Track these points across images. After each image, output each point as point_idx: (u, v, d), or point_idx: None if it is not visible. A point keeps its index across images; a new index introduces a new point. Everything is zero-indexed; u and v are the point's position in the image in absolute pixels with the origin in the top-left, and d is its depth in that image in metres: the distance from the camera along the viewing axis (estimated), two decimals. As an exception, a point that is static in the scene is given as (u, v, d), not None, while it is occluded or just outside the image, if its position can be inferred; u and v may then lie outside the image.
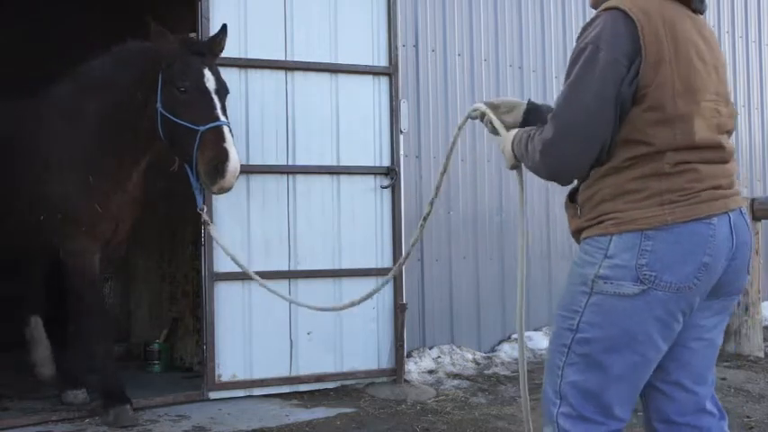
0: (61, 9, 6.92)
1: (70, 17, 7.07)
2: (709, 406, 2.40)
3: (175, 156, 4.49)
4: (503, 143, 2.55)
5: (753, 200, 6.45)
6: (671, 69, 2.20)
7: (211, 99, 4.23)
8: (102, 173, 4.57)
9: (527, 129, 2.42)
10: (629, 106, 2.21)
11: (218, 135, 4.11)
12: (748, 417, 4.73)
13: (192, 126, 4.13)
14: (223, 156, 4.05)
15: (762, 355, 6.35)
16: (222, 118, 4.19)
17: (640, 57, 2.18)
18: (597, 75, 2.18)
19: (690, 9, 2.33)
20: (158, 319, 6.53)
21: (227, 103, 4.36)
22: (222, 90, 4.32)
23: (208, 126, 4.12)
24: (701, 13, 2.38)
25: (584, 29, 2.29)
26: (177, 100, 4.23)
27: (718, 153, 2.27)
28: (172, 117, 4.23)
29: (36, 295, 5.71)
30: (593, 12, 2.37)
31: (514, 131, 2.50)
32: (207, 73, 4.29)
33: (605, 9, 2.26)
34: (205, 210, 4.42)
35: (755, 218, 6.37)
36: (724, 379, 5.48)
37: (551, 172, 2.33)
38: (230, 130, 4.20)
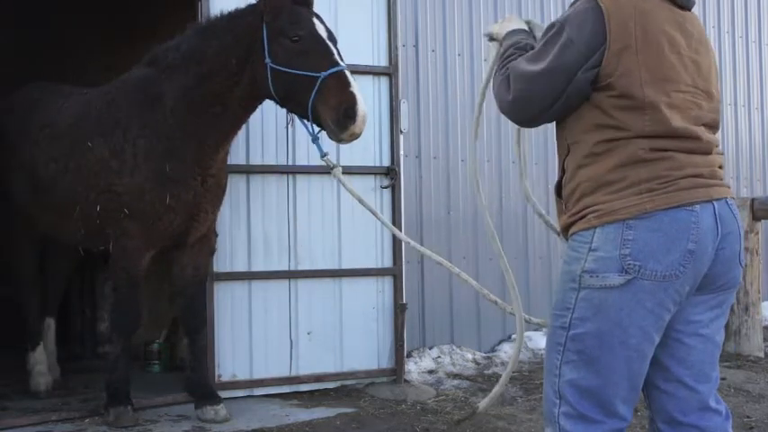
0: (61, 10, 6.93)
1: (70, 18, 7.08)
2: (713, 404, 2.39)
3: (291, 110, 4.29)
4: (499, 29, 2.71)
5: (753, 200, 6.45)
6: (636, 58, 2.24)
7: (327, 45, 4.08)
8: (182, 159, 4.36)
9: (517, 46, 2.54)
10: (589, 91, 2.28)
11: (341, 80, 3.95)
12: (748, 417, 4.73)
13: (312, 74, 3.96)
14: (351, 100, 3.89)
15: (762, 355, 6.35)
16: (342, 63, 4.03)
17: (604, 45, 2.24)
18: (554, 52, 2.29)
19: (675, 5, 2.37)
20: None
21: None
22: (332, 37, 4.18)
23: (329, 72, 3.95)
24: (687, 9, 2.41)
25: (569, 7, 2.41)
26: (291, 50, 4.06)
27: (697, 143, 2.29)
28: (287, 69, 4.04)
29: (56, 295, 5.72)
30: None
31: (513, 26, 2.66)
32: (316, 21, 4.18)
33: None
34: (328, 155, 4.15)
35: (755, 218, 6.38)
36: (724, 379, 5.47)
37: (510, 118, 2.52)
38: (352, 75, 4.04)
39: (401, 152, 5.59)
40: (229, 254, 5.12)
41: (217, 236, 4.93)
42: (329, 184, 5.38)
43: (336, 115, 3.91)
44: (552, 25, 2.36)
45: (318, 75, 3.94)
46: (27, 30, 7.25)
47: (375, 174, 5.50)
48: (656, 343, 2.29)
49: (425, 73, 6.28)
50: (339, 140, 4.06)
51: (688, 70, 2.31)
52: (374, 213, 4.14)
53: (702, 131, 2.31)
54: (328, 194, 5.38)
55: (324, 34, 4.14)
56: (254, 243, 5.18)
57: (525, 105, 2.39)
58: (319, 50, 4.07)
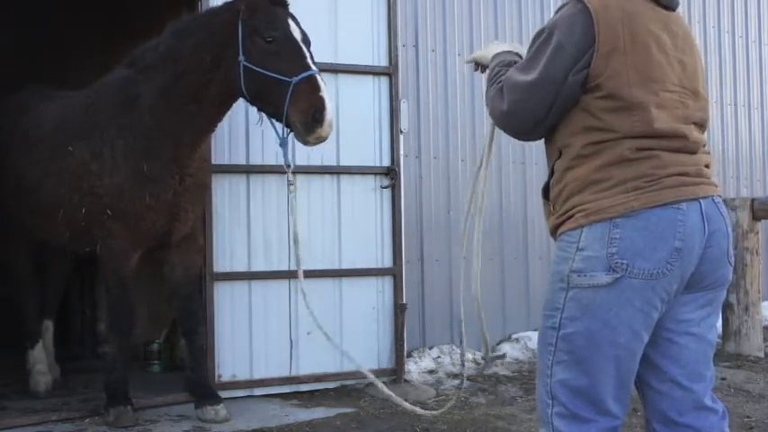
0: (61, 10, 6.93)
1: (70, 18, 7.08)
2: (709, 403, 2.39)
3: (261, 109, 4.31)
4: (484, 53, 2.74)
5: (753, 200, 6.45)
6: (625, 59, 2.25)
7: (301, 48, 4.12)
8: (159, 158, 4.41)
9: (504, 63, 2.55)
10: (579, 94, 2.29)
11: (312, 85, 4.01)
12: (748, 417, 4.73)
13: (284, 77, 4.01)
14: (320, 104, 3.96)
15: (762, 355, 6.35)
16: (313, 67, 4.08)
17: (593, 47, 2.25)
18: (545, 59, 2.29)
19: (659, 5, 2.38)
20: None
21: None
22: (306, 39, 4.22)
23: (301, 76, 4.00)
24: (672, 9, 2.42)
25: (554, 14, 2.40)
26: (265, 51, 4.11)
27: (683, 143, 2.30)
28: (260, 69, 4.09)
29: (55, 297, 5.73)
30: None
31: (498, 49, 2.67)
32: (292, 22, 4.21)
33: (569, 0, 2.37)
34: (291, 168, 4.23)
35: (755, 218, 6.38)
36: (724, 379, 5.47)
37: (506, 130, 2.52)
38: (322, 79, 4.10)
39: (401, 152, 5.59)
40: (229, 254, 5.12)
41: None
42: (329, 184, 5.39)
43: (305, 118, 3.97)
44: (541, 32, 2.37)
45: (290, 80, 3.99)
46: (25, 30, 7.24)
47: (375, 174, 5.50)
48: (646, 341, 2.30)
49: (425, 73, 6.28)
50: (305, 143, 4.10)
51: (674, 70, 2.32)
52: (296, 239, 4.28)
53: (690, 130, 2.32)
54: (328, 194, 5.38)
55: (298, 36, 4.17)
56: (254, 243, 5.18)
57: (521, 116, 2.38)
58: (292, 53, 4.10)
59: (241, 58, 4.14)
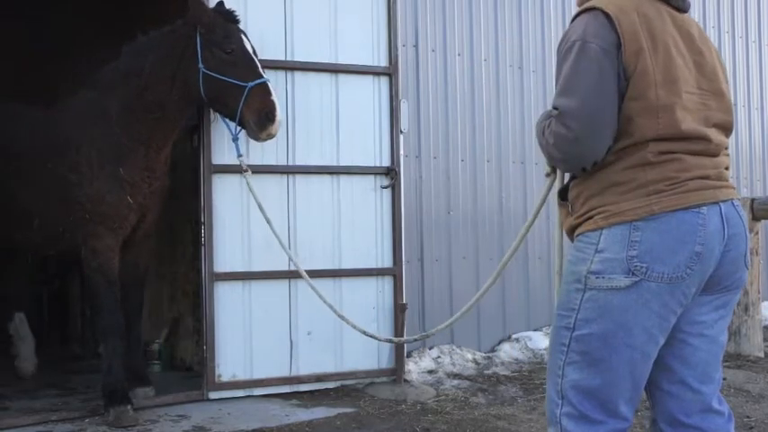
0: (60, 9, 6.93)
1: (69, 17, 7.08)
2: (716, 405, 2.39)
3: (217, 110, 4.90)
4: None
5: (753, 200, 6.44)
6: (650, 59, 2.23)
7: (253, 59, 4.74)
8: (132, 163, 4.77)
9: (545, 115, 2.41)
10: (624, 89, 2.24)
11: (264, 89, 4.63)
12: (748, 417, 4.73)
13: (240, 83, 4.61)
14: (271, 106, 4.59)
15: (762, 355, 6.35)
16: (265, 76, 4.71)
17: (621, 48, 2.22)
18: (594, 66, 2.22)
19: (671, 7, 2.37)
20: (158, 320, 6.54)
21: None
22: (255, 53, 4.83)
23: (255, 82, 4.62)
24: (684, 11, 2.40)
25: (565, 34, 2.34)
26: (224, 61, 4.68)
27: (705, 145, 2.28)
28: (218, 75, 4.65)
29: (21, 291, 6.04)
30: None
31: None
32: (244, 38, 4.80)
33: (581, 11, 2.32)
34: (243, 158, 4.87)
35: (755, 218, 6.37)
36: (724, 379, 5.45)
37: (570, 167, 2.36)
38: (272, 87, 4.70)
39: (401, 152, 5.59)
40: (229, 254, 5.11)
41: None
42: (329, 184, 5.38)
43: (258, 117, 4.58)
44: (570, 47, 2.27)
45: (246, 84, 4.61)
46: (25, 30, 7.24)
47: (375, 174, 5.50)
48: (661, 344, 2.29)
49: (425, 73, 6.27)
50: (257, 138, 4.70)
51: (691, 72, 2.31)
52: (269, 223, 4.80)
53: (713, 133, 2.30)
54: (328, 194, 5.38)
55: (250, 49, 4.77)
56: (254, 243, 5.18)
57: (594, 136, 2.22)
58: (247, 63, 4.71)
59: (200, 65, 4.68)
